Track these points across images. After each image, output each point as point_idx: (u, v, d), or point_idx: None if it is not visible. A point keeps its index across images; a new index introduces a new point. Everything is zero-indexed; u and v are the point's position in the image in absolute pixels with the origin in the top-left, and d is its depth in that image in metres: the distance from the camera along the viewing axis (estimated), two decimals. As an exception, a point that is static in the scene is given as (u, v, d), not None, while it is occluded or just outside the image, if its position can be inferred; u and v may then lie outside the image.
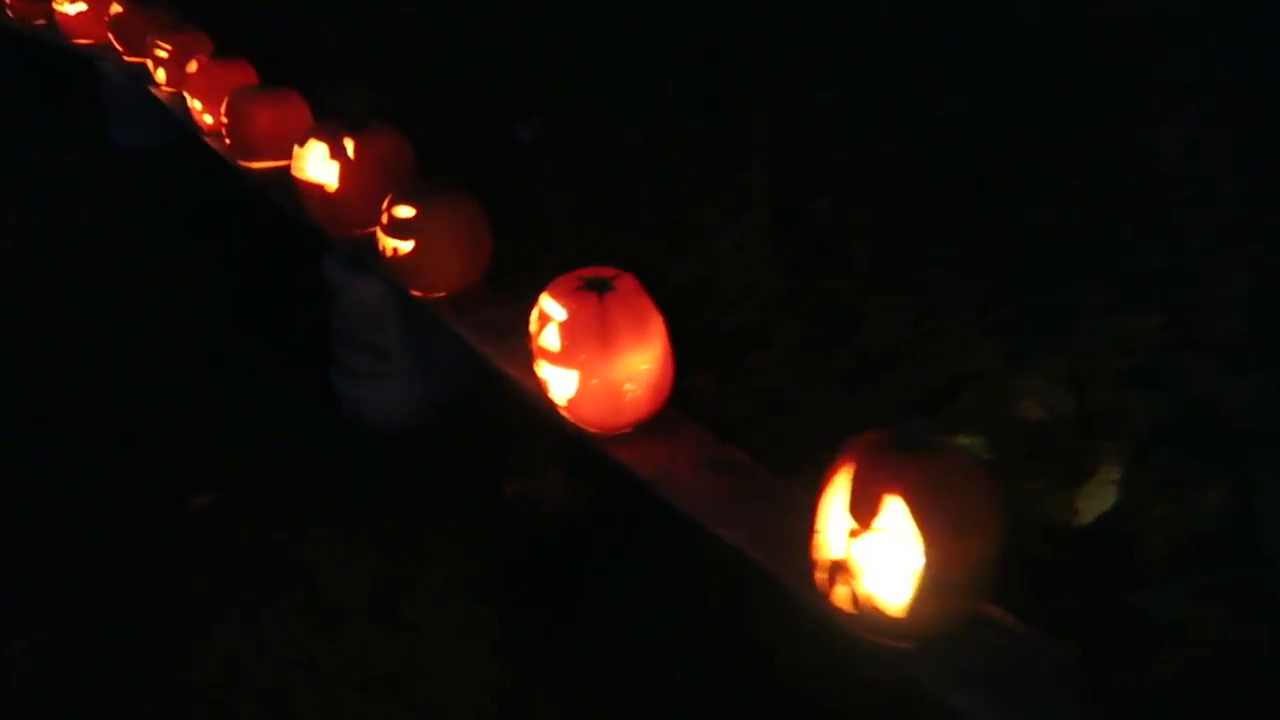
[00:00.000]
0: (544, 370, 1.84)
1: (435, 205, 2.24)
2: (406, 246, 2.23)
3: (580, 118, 2.22)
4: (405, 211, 2.22)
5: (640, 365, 1.77)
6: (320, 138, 2.55)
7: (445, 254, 2.26)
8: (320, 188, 2.56)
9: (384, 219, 2.27)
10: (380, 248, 2.30)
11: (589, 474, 2.05)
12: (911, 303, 1.64)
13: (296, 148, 2.62)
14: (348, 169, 2.53)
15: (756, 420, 1.82)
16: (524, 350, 1.92)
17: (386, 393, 2.59)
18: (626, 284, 1.82)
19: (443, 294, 2.33)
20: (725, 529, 1.60)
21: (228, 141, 3.20)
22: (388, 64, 2.94)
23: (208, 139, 3.53)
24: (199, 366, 2.98)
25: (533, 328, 1.85)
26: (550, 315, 1.80)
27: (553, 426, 1.93)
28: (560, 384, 1.81)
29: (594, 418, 1.83)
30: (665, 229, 2.06)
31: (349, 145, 2.53)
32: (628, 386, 1.77)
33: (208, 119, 3.50)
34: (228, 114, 3.16)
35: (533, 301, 1.85)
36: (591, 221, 2.20)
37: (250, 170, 3.20)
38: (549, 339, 1.80)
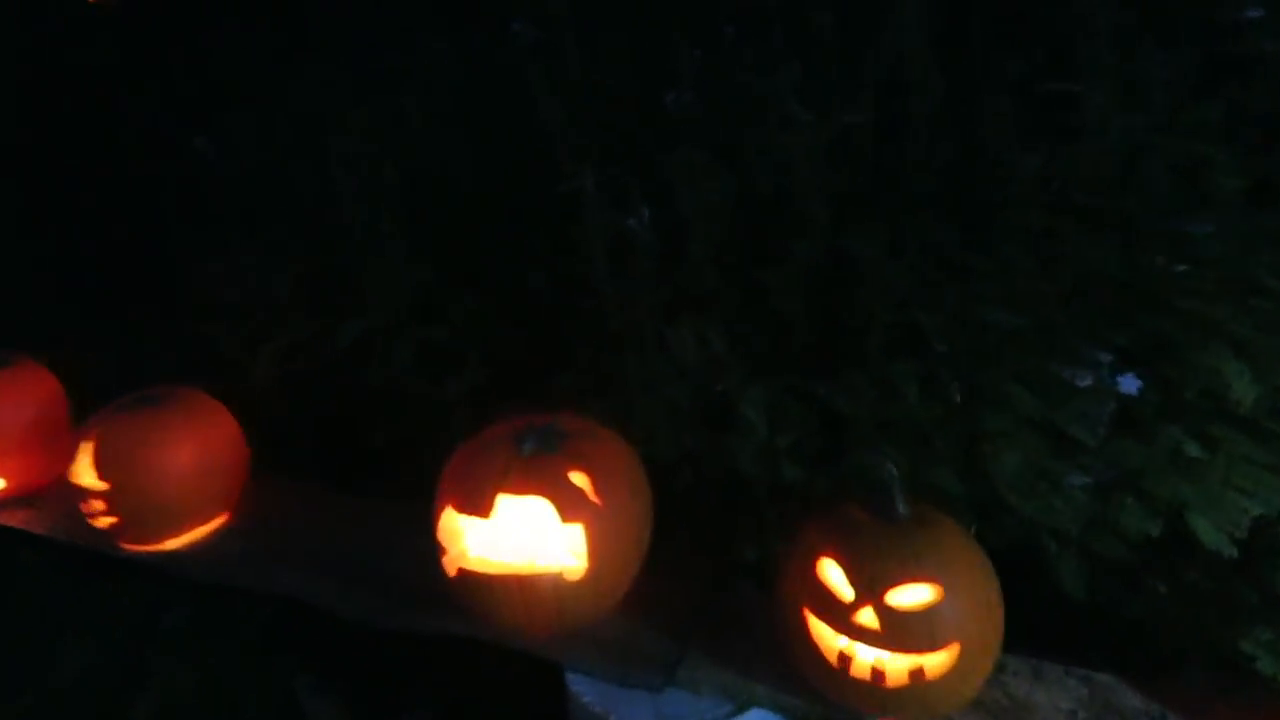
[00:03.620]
0: None
1: (957, 564, 1.18)
2: (935, 661, 1.14)
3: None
4: (919, 594, 1.14)
5: None
6: (514, 486, 1.32)
7: (986, 645, 1.19)
8: (551, 578, 1.33)
9: (856, 619, 1.15)
10: (837, 669, 1.18)
11: None
12: None
13: (454, 515, 1.35)
14: (601, 530, 1.33)
15: None
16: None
17: None
18: None
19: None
20: None
21: (110, 519, 1.69)
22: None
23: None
24: None
25: None
26: None
27: None
28: None
29: None
30: None
31: (586, 485, 1.34)
32: None
33: (-4, 482, 1.91)
34: (105, 469, 1.66)
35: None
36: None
37: (161, 554, 1.73)
38: None
